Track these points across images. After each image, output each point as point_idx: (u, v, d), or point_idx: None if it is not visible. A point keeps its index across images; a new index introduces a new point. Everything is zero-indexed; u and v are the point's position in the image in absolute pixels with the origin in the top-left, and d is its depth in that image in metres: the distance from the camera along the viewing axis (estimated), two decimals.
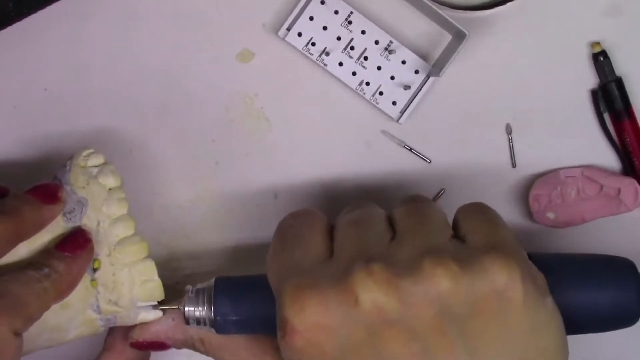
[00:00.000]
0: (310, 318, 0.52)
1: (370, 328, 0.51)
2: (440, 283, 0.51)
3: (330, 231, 0.57)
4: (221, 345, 0.61)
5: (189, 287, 0.60)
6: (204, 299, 0.60)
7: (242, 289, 0.60)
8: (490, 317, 0.52)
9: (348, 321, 0.51)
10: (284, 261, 0.56)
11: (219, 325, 0.60)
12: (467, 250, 0.54)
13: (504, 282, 0.52)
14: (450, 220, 0.58)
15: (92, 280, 0.59)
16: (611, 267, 0.59)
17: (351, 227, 0.56)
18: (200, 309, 0.60)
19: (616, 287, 0.58)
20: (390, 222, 0.57)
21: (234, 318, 0.59)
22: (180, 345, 0.62)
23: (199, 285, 0.61)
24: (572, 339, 0.55)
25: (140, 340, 0.62)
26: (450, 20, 0.66)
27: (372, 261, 0.52)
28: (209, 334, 0.61)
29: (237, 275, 0.61)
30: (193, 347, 0.62)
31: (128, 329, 0.62)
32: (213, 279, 0.61)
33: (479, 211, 0.58)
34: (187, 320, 0.60)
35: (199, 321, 0.60)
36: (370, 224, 0.57)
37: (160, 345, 0.62)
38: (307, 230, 0.57)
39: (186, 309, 0.60)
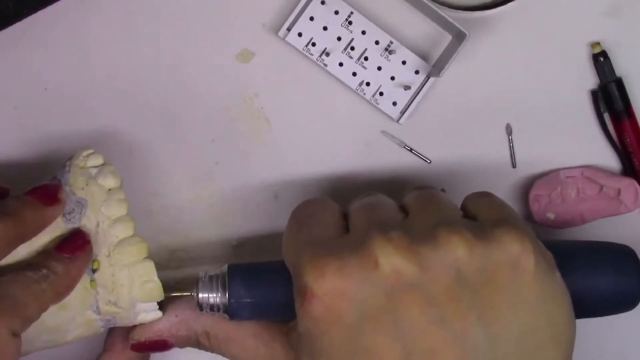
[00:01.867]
0: (330, 283, 0.52)
1: (389, 293, 0.52)
2: (457, 250, 0.52)
3: (344, 216, 0.58)
4: (228, 337, 0.61)
5: (201, 274, 0.61)
6: (218, 284, 0.60)
7: (255, 273, 0.60)
8: (503, 286, 0.53)
9: (367, 286, 0.52)
10: (302, 238, 0.56)
11: (232, 309, 0.60)
12: (479, 224, 0.55)
13: (517, 252, 0.53)
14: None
15: (92, 281, 0.59)
16: (612, 252, 0.61)
17: (365, 207, 0.57)
18: (214, 294, 0.60)
19: (617, 272, 0.60)
20: (402, 209, 0.58)
21: (248, 301, 0.60)
22: (183, 342, 0.62)
23: (212, 272, 0.61)
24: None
25: (142, 340, 0.61)
26: (450, 20, 0.66)
27: (390, 229, 0.53)
28: (215, 327, 0.61)
29: (248, 262, 0.61)
30: (197, 344, 0.62)
31: (128, 330, 0.62)
32: (226, 265, 0.61)
33: (486, 196, 0.60)
34: (200, 307, 0.60)
35: (212, 307, 0.60)
36: (383, 205, 0.58)
37: (163, 345, 0.62)
38: (322, 212, 0.58)
39: (200, 295, 0.60)
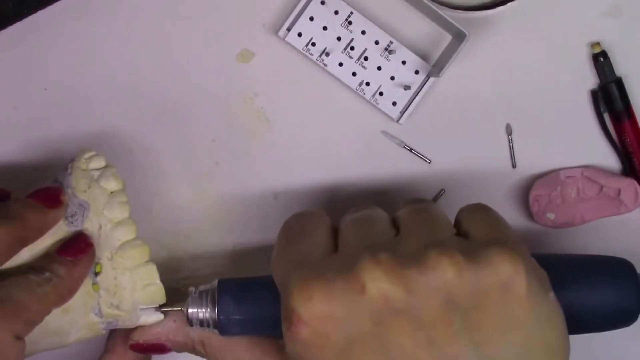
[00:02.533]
0: (317, 307, 0.52)
1: (377, 317, 0.51)
2: (446, 273, 0.52)
3: (335, 230, 0.58)
4: (222, 348, 0.61)
5: (191, 289, 0.61)
6: (207, 299, 0.60)
7: (245, 289, 0.60)
8: (494, 308, 0.52)
9: (354, 311, 0.52)
10: (290, 256, 0.56)
11: (222, 325, 0.60)
12: (471, 244, 0.54)
13: (508, 274, 0.52)
14: (452, 221, 0.58)
15: (94, 284, 0.59)
16: (610, 267, 0.60)
17: (355, 224, 0.57)
18: (203, 310, 0.60)
19: (615, 287, 0.59)
20: (394, 224, 0.57)
21: (238, 317, 0.59)
22: (180, 348, 0.62)
23: (202, 287, 0.61)
24: (571, 339, 0.55)
25: (141, 342, 0.62)
26: (450, 20, 0.66)
27: (379, 251, 0.52)
28: (210, 336, 0.61)
29: (239, 277, 0.61)
30: (194, 350, 0.62)
31: (129, 331, 0.62)
32: (216, 280, 0.61)
33: (481, 210, 0.59)
34: (190, 322, 0.60)
35: (202, 322, 0.60)
36: (374, 222, 0.57)
37: (161, 348, 0.62)
38: (312, 227, 0.58)
39: (189, 310, 0.60)
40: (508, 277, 0.52)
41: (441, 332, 0.51)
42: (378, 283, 0.51)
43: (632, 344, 0.70)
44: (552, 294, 0.54)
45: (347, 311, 0.52)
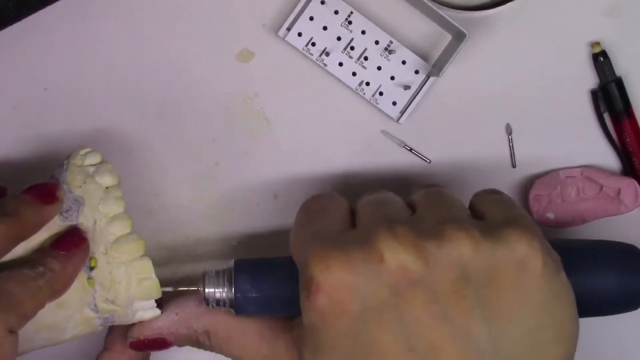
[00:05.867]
0: (336, 276, 0.52)
1: (394, 288, 0.52)
2: (463, 247, 0.52)
3: (352, 212, 0.59)
4: (229, 336, 0.61)
5: (208, 269, 0.61)
6: (224, 279, 0.60)
7: (261, 268, 0.61)
8: (508, 285, 0.53)
9: (372, 280, 0.52)
10: (309, 231, 0.57)
11: (239, 303, 0.60)
12: (486, 224, 0.55)
13: (524, 252, 0.53)
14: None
15: (89, 278, 0.59)
16: (618, 251, 0.61)
17: (372, 204, 0.58)
18: (220, 289, 0.60)
19: (622, 271, 0.60)
20: (409, 206, 0.58)
21: (254, 295, 0.60)
22: (182, 341, 0.62)
23: (218, 267, 0.61)
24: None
25: (142, 338, 0.61)
26: (450, 20, 0.66)
27: (397, 224, 0.53)
28: (216, 325, 0.61)
29: (254, 257, 0.61)
30: (197, 343, 0.62)
31: (128, 328, 0.61)
32: (232, 261, 0.61)
33: (495, 193, 0.60)
34: (207, 301, 0.60)
35: (218, 302, 0.60)
36: (390, 202, 0.58)
37: (162, 343, 0.61)
38: (331, 206, 0.59)
39: (206, 290, 0.60)
40: (524, 255, 0.53)
41: (455, 306, 0.52)
42: (396, 254, 0.52)
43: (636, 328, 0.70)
44: (563, 274, 0.55)
45: (364, 281, 0.52)
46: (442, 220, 0.54)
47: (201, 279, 0.61)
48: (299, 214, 0.60)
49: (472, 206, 0.59)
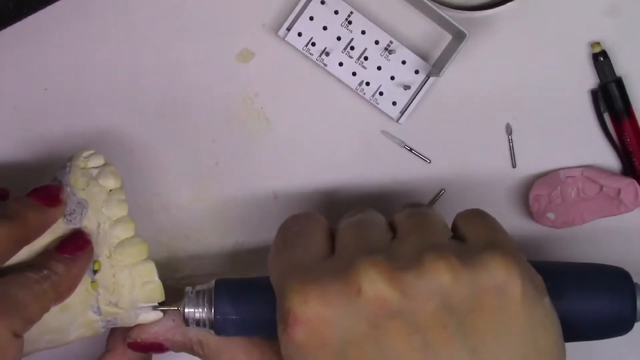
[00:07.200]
0: (313, 309, 0.52)
1: (372, 320, 0.51)
2: (442, 276, 0.52)
3: (331, 233, 0.58)
4: (220, 349, 0.61)
5: (188, 289, 0.60)
6: (204, 299, 0.60)
7: (242, 289, 0.60)
8: (489, 312, 0.52)
9: (350, 313, 0.52)
10: (287, 259, 0.56)
11: (218, 325, 0.59)
12: (467, 248, 0.54)
13: (503, 278, 0.52)
14: (449, 225, 0.58)
15: (93, 281, 0.59)
16: (606, 276, 0.60)
17: (353, 227, 0.57)
18: (200, 310, 0.60)
19: (611, 296, 0.59)
20: (391, 227, 0.57)
21: (234, 317, 0.59)
22: (178, 347, 0.62)
23: (199, 287, 0.61)
24: (567, 346, 0.55)
25: (138, 340, 0.61)
26: (450, 20, 0.66)
27: (375, 254, 0.53)
28: (208, 337, 0.61)
29: (236, 277, 0.61)
30: (191, 350, 0.62)
31: (130, 330, 0.62)
32: (213, 281, 0.61)
33: (478, 215, 0.59)
34: (186, 321, 0.60)
35: (198, 322, 0.60)
36: (371, 225, 0.57)
37: (158, 347, 0.62)
38: (309, 230, 0.58)
39: (186, 310, 0.60)
40: (502, 280, 0.52)
41: (437, 336, 0.51)
42: (374, 285, 0.51)
43: (628, 352, 0.69)
44: (547, 299, 0.54)
45: (343, 313, 0.52)
46: (422, 247, 0.53)
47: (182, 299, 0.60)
48: (276, 237, 0.59)
49: (454, 226, 0.58)
